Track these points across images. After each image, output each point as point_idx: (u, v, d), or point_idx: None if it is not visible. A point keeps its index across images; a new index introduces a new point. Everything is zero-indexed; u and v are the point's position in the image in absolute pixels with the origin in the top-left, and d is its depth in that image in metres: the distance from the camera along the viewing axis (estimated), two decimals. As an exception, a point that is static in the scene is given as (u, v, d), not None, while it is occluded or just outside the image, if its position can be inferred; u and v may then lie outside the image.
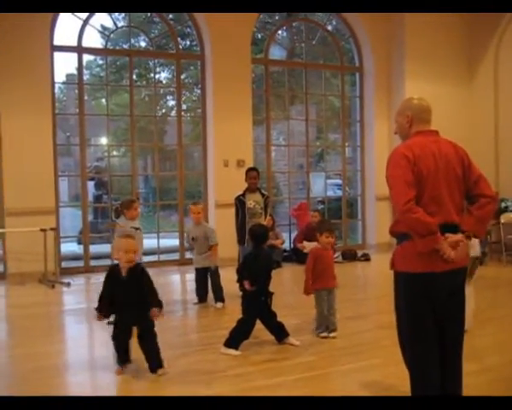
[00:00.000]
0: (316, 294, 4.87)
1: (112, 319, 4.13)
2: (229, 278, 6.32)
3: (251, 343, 4.59)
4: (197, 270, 6.30)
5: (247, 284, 4.54)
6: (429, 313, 2.90)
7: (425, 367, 2.90)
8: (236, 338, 4.50)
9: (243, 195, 6.65)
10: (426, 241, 2.77)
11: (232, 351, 4.43)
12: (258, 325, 4.65)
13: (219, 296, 6.14)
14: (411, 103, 3.06)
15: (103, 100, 10.19)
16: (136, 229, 5.79)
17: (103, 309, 4.04)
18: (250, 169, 6.95)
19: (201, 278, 6.24)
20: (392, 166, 2.89)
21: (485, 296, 6.17)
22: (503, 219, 8.85)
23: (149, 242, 9.44)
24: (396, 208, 2.87)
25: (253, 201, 6.60)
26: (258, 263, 4.62)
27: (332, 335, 4.81)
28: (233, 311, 5.13)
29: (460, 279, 3.00)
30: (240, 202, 6.62)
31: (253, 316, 4.58)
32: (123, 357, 4.15)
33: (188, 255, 8.94)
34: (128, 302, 3.99)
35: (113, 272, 4.11)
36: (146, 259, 8.65)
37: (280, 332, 4.66)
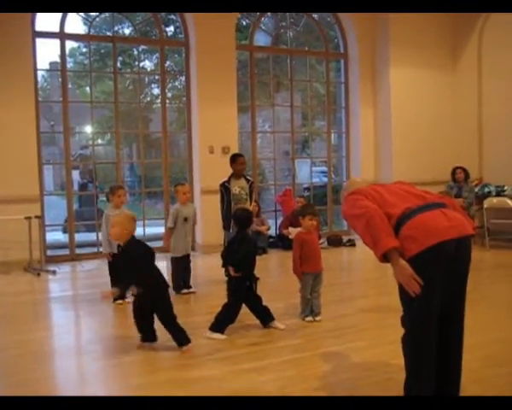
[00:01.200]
0: (302, 277, 4.92)
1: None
2: (214, 264, 6.36)
3: (236, 327, 4.63)
4: (179, 258, 6.17)
5: (231, 270, 4.57)
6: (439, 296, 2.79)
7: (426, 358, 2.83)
8: (222, 322, 4.53)
9: (228, 181, 6.64)
10: (381, 243, 2.74)
11: (218, 335, 4.46)
12: (244, 309, 4.69)
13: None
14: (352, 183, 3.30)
15: (87, 88, 10.16)
16: None
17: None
18: (238, 155, 6.91)
19: (183, 265, 6.19)
20: (348, 206, 2.96)
21: (470, 279, 6.25)
22: (486, 204, 8.95)
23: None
24: (361, 226, 2.83)
25: (238, 187, 6.59)
26: (242, 248, 4.64)
27: (317, 318, 4.87)
28: (218, 296, 5.15)
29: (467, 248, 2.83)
30: (225, 189, 6.61)
31: (239, 300, 4.61)
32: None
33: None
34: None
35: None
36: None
37: (265, 316, 4.70)
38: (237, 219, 4.90)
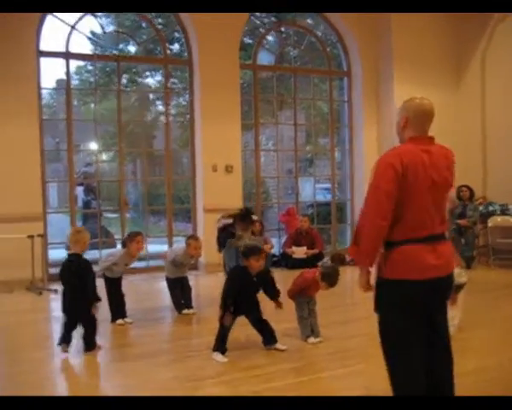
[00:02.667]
0: (296, 298, 4.93)
1: None
2: (216, 284, 6.32)
3: (239, 348, 4.60)
4: (176, 279, 6.18)
5: (227, 317, 4.46)
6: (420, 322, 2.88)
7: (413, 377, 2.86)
8: (218, 341, 4.51)
9: (233, 226, 6.68)
10: (361, 256, 2.88)
11: (219, 356, 4.42)
12: (247, 329, 4.65)
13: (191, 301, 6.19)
14: (410, 104, 2.92)
15: (93, 105, 10.17)
16: (127, 265, 5.89)
17: None
18: (254, 221, 7.10)
19: (179, 285, 6.17)
20: (377, 175, 2.81)
21: (473, 301, 6.18)
22: (491, 222, 8.91)
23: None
24: (368, 215, 2.82)
25: (248, 239, 6.57)
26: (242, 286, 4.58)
27: (317, 340, 4.82)
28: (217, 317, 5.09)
29: (448, 285, 2.98)
30: (231, 234, 6.70)
31: (225, 328, 4.54)
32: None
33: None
34: None
35: None
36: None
37: (269, 338, 4.64)
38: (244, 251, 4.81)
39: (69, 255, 4.74)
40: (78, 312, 4.63)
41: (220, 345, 4.49)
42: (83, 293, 4.59)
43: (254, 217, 6.96)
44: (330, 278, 4.78)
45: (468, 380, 3.67)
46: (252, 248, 4.68)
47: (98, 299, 4.76)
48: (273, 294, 4.71)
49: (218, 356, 4.43)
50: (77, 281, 4.57)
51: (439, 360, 2.93)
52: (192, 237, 6.28)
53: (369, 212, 2.82)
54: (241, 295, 4.53)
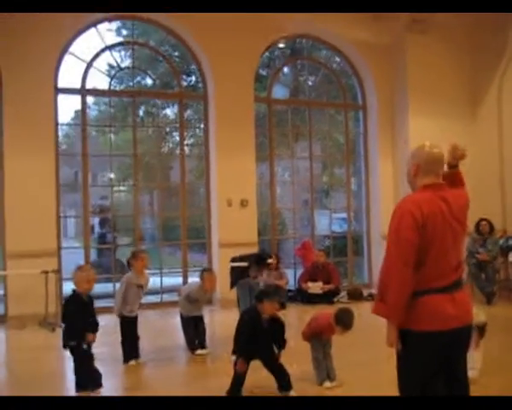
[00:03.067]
0: (312, 340, 4.82)
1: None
2: (232, 320, 6.20)
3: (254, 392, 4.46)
4: (191, 318, 6.08)
5: (240, 364, 4.37)
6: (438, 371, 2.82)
7: None
8: (232, 388, 4.39)
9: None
10: (391, 311, 2.74)
11: None
12: (262, 373, 4.53)
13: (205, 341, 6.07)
14: (420, 151, 2.90)
15: (111, 135, 10.30)
16: (139, 287, 5.71)
17: None
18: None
19: (194, 324, 6.07)
20: (398, 222, 2.74)
21: (495, 341, 5.98)
22: (511, 257, 8.70)
23: (152, 280, 9.33)
24: (393, 266, 2.72)
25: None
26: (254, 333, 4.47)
27: (334, 384, 4.68)
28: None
29: (468, 335, 2.93)
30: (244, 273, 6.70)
31: (239, 377, 4.43)
32: None
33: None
34: None
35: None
36: (148, 300, 8.56)
37: (284, 384, 4.49)
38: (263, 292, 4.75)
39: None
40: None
41: (235, 391, 4.38)
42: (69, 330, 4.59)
43: (270, 260, 6.83)
44: (345, 322, 4.67)
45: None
46: (267, 292, 4.64)
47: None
48: (280, 344, 4.59)
49: None
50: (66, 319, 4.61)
51: None
52: (206, 271, 6.22)
53: (395, 262, 2.72)
54: (253, 340, 4.42)
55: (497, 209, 9.64)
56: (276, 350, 4.57)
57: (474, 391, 2.95)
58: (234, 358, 4.51)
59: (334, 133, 12.54)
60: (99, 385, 4.55)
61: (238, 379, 4.40)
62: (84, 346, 4.56)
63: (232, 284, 6.78)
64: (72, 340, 4.55)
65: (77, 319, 4.57)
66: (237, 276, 6.70)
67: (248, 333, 4.45)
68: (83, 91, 8.64)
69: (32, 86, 7.91)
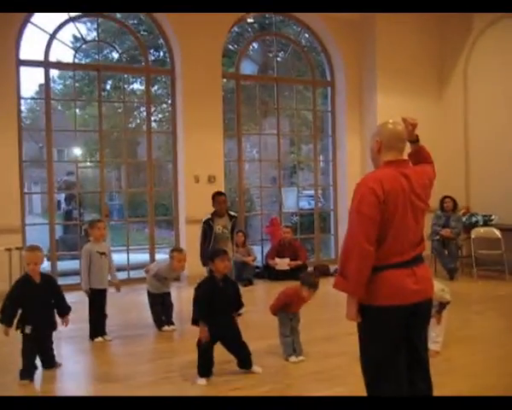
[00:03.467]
0: (279, 315, 4.86)
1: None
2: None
3: (220, 371, 4.49)
4: (158, 295, 6.05)
5: (202, 330, 4.38)
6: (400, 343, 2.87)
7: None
8: (199, 367, 4.41)
9: (212, 219, 6.60)
10: (351, 285, 2.76)
11: (200, 380, 4.34)
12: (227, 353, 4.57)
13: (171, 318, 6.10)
14: (383, 128, 2.95)
15: (77, 110, 10.07)
16: (101, 254, 5.64)
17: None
18: (217, 193, 6.84)
19: (161, 301, 6.05)
20: (359, 200, 2.77)
21: (457, 314, 6.14)
22: (474, 234, 8.90)
23: (119, 257, 9.27)
24: (354, 242, 2.74)
25: (221, 226, 6.56)
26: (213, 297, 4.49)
27: (299, 358, 4.76)
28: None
29: (428, 309, 3.01)
30: (208, 227, 6.58)
31: (203, 350, 4.44)
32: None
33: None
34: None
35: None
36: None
37: (245, 363, 4.53)
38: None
39: None
40: None
41: (201, 370, 4.39)
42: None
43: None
44: (310, 282, 4.74)
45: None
46: (215, 251, 4.73)
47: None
48: (237, 305, 4.66)
49: (198, 380, 4.35)
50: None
51: (417, 383, 2.91)
52: (176, 250, 6.16)
53: (356, 238, 2.75)
54: (212, 307, 4.40)
55: (460, 187, 9.83)
56: (234, 313, 4.62)
57: (437, 362, 3.03)
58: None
59: (302, 110, 12.53)
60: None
61: (204, 352, 4.40)
62: (27, 330, 4.47)
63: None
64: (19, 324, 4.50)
65: (20, 302, 4.49)
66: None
67: (205, 294, 4.45)
68: (46, 64, 8.40)
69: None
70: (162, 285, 6.07)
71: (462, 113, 10.03)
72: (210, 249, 5.15)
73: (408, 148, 3.13)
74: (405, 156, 3.01)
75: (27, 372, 4.43)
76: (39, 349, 4.58)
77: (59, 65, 9.40)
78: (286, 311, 4.85)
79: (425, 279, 2.88)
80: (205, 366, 4.40)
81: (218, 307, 4.44)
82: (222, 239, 6.46)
